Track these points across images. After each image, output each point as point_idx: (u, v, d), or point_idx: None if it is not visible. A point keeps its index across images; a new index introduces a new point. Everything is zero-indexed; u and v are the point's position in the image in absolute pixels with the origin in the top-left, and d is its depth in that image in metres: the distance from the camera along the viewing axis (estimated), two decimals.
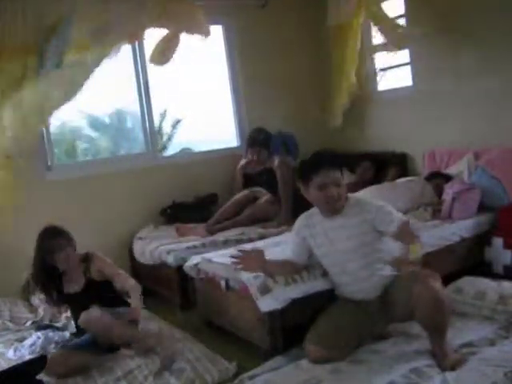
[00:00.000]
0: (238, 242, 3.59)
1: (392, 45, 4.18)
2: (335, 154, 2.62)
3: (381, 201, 2.57)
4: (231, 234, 3.78)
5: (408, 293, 2.25)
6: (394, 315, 2.44)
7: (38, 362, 2.42)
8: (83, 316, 2.63)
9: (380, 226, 2.43)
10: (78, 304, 2.78)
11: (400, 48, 4.18)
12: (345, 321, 2.44)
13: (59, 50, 3.35)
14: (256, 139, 4.41)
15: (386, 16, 4.12)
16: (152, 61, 4.06)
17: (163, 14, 3.75)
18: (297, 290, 2.57)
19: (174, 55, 3.97)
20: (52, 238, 2.78)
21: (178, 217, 4.27)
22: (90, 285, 2.81)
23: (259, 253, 2.65)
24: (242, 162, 4.51)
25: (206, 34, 3.95)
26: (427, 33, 3.93)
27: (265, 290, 2.51)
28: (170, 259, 3.50)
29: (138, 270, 4.13)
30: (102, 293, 2.80)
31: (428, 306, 2.19)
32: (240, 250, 2.66)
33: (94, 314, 2.62)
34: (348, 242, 2.46)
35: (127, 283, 2.82)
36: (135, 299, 2.76)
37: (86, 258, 2.85)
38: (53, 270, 2.83)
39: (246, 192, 4.25)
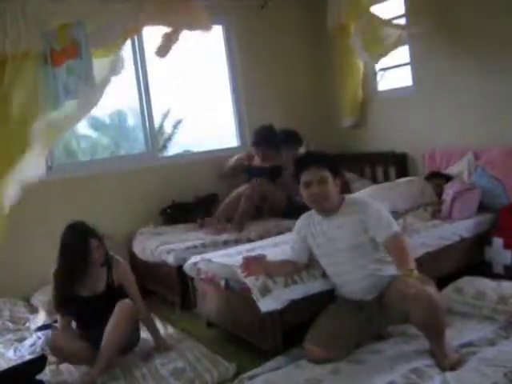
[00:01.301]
0: (237, 242, 3.60)
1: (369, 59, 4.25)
2: (325, 154, 2.63)
3: (379, 203, 2.55)
4: (231, 234, 3.79)
5: (401, 297, 2.25)
6: (390, 317, 2.44)
7: (38, 362, 2.42)
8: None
9: (370, 231, 2.43)
10: (89, 307, 2.68)
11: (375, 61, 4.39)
12: (344, 321, 2.44)
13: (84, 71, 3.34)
14: (260, 139, 4.35)
15: (379, 18, 4.13)
16: (155, 53, 4.05)
17: (162, 11, 3.74)
18: (296, 291, 2.57)
19: (170, 50, 3.95)
20: (92, 237, 2.68)
21: (178, 217, 4.27)
22: (109, 290, 2.73)
23: (261, 258, 2.66)
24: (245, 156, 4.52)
25: (207, 28, 3.94)
26: (425, 32, 3.95)
27: (265, 291, 2.51)
28: (171, 259, 3.50)
29: (138, 269, 4.12)
30: (117, 299, 2.70)
31: (422, 311, 2.19)
32: (244, 257, 2.67)
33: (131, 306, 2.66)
34: (345, 242, 2.46)
35: (145, 316, 2.83)
36: (155, 334, 2.83)
37: (109, 262, 2.76)
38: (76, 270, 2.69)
39: (245, 185, 4.26)
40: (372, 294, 2.46)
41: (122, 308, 2.63)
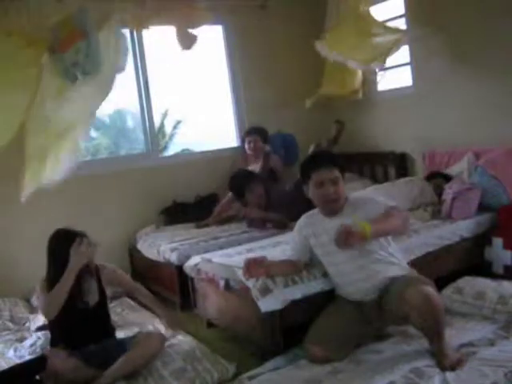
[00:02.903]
0: (240, 242, 3.59)
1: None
2: (334, 154, 2.65)
3: (378, 197, 2.56)
4: (234, 233, 3.81)
5: (400, 298, 2.24)
6: (389, 318, 2.44)
7: (38, 362, 2.41)
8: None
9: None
10: (83, 321, 2.53)
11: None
12: (344, 320, 2.44)
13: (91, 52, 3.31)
14: (253, 129, 4.54)
15: (376, 20, 4.14)
16: (181, 47, 4.03)
17: (162, 11, 3.75)
18: (296, 291, 2.57)
19: (195, 41, 3.96)
20: (78, 235, 2.56)
21: (179, 217, 4.27)
22: (102, 301, 2.62)
23: (262, 260, 2.63)
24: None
25: (204, 21, 3.93)
26: (425, 32, 3.95)
27: (265, 291, 2.51)
28: (173, 257, 3.50)
29: (138, 269, 4.14)
30: (108, 312, 2.65)
31: (420, 311, 2.19)
32: (245, 261, 2.65)
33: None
34: None
35: (148, 296, 2.85)
36: (161, 309, 2.85)
37: (96, 270, 2.65)
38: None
39: None
40: (372, 294, 2.47)
41: (152, 340, 2.57)
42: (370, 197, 2.59)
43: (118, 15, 3.53)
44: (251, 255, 2.91)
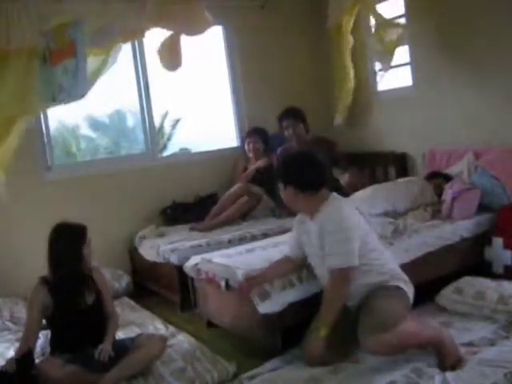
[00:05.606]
0: (242, 240, 3.60)
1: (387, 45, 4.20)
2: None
3: (349, 220, 2.39)
4: (236, 233, 3.79)
5: (363, 340, 2.22)
6: None
7: (26, 358, 2.34)
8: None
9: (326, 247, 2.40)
10: (81, 322, 2.48)
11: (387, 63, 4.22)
12: (342, 321, 2.42)
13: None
14: (253, 130, 4.57)
15: (381, 15, 4.15)
16: (165, 67, 4.04)
17: (163, 14, 3.74)
18: (294, 293, 2.58)
19: (181, 58, 3.96)
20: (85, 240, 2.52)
21: (179, 217, 4.27)
22: (99, 301, 2.56)
23: (257, 275, 2.62)
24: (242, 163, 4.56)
25: (206, 26, 3.92)
26: (425, 31, 3.95)
27: (264, 296, 2.53)
28: (174, 258, 3.50)
29: (138, 269, 4.14)
30: (104, 313, 2.57)
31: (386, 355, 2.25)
32: (240, 285, 2.63)
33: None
34: (315, 247, 2.49)
35: (114, 318, 2.60)
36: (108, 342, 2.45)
37: (89, 269, 2.60)
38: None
39: (240, 185, 4.28)
40: (350, 301, 2.43)
41: (154, 343, 2.52)
42: (338, 215, 2.39)
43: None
44: (251, 255, 2.94)
